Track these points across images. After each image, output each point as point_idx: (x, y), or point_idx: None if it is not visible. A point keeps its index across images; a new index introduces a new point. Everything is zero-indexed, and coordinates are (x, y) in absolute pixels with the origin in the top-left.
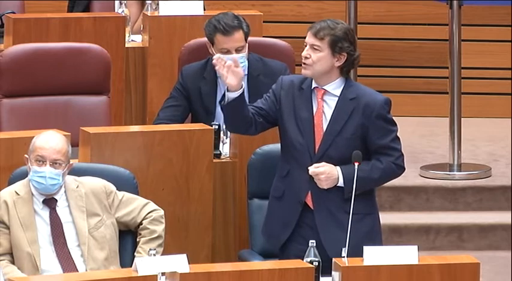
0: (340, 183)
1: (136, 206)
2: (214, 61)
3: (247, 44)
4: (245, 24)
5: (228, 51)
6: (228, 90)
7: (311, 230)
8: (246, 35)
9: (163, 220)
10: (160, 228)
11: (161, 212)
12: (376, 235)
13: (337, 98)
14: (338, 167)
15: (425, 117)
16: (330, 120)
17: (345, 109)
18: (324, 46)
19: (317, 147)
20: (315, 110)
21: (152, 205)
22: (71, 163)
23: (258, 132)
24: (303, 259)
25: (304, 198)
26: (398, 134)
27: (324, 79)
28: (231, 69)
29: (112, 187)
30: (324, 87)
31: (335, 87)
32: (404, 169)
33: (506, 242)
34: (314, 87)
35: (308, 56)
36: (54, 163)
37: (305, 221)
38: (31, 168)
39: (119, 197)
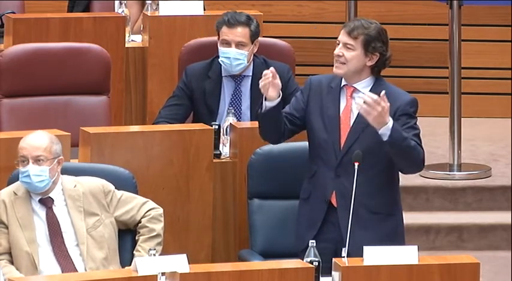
0: (386, 129)
1: (135, 205)
2: (264, 74)
3: (252, 46)
4: (254, 25)
5: (228, 43)
6: (265, 99)
7: (334, 228)
8: (252, 35)
9: (162, 218)
10: (159, 226)
11: (160, 210)
12: (400, 237)
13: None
14: (390, 118)
15: (425, 117)
16: (357, 117)
17: None
18: (357, 45)
19: (342, 143)
20: (342, 107)
21: (151, 204)
22: (60, 157)
23: (288, 138)
24: (330, 255)
25: (330, 197)
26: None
27: (354, 78)
28: (272, 82)
29: (110, 187)
30: (353, 85)
31: (365, 85)
32: (424, 165)
33: (506, 242)
34: (344, 85)
35: (341, 54)
36: (36, 160)
37: (329, 219)
38: (19, 170)
39: (117, 196)
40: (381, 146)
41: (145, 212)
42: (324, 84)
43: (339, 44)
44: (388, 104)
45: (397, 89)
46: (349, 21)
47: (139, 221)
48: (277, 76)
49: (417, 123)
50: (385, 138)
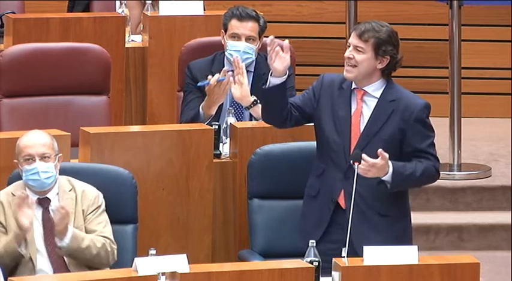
0: (388, 176)
1: (100, 230)
2: (268, 41)
3: (260, 42)
4: (262, 20)
5: (238, 38)
6: (271, 75)
7: (342, 230)
8: (261, 30)
9: (108, 251)
10: (99, 250)
11: (114, 247)
12: (408, 239)
13: (376, 100)
14: (390, 164)
15: None
16: (368, 121)
17: (384, 111)
18: (367, 48)
19: (352, 147)
20: (353, 110)
21: (110, 236)
22: (60, 154)
23: (292, 126)
24: (337, 256)
25: (337, 197)
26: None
27: (364, 81)
28: (279, 55)
29: (101, 202)
30: (364, 88)
31: (375, 88)
32: (439, 175)
33: (506, 242)
34: (354, 88)
35: (351, 56)
36: (42, 157)
37: (336, 220)
38: (22, 169)
39: (98, 213)
40: (391, 153)
41: (102, 236)
42: (336, 84)
43: (349, 46)
44: (384, 161)
45: (408, 92)
46: (360, 23)
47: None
48: (289, 53)
49: (432, 128)
50: (388, 186)
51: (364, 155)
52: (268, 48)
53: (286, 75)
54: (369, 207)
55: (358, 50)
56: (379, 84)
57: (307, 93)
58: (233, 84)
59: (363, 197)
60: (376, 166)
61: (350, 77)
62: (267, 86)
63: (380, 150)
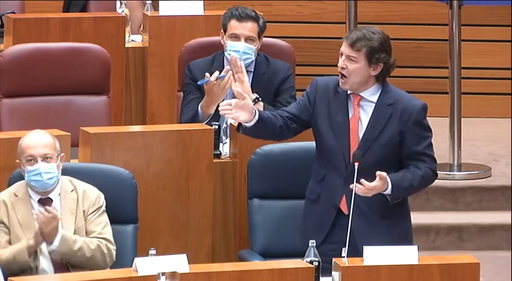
0: (388, 191)
1: (100, 229)
2: (221, 112)
3: (259, 42)
4: (262, 21)
5: (237, 38)
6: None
7: (343, 231)
8: (260, 31)
9: (105, 253)
10: (94, 252)
11: (113, 248)
12: (408, 240)
13: (374, 105)
14: (389, 179)
15: None
16: (367, 127)
17: (383, 115)
18: (360, 57)
19: (352, 152)
20: (350, 115)
21: (110, 237)
22: (62, 154)
23: (292, 136)
24: (337, 257)
25: (339, 203)
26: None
27: (360, 87)
28: (238, 107)
29: (102, 202)
30: (360, 94)
31: (371, 93)
32: (437, 175)
33: (506, 242)
34: (350, 93)
35: (344, 66)
36: (45, 158)
37: (339, 222)
38: (24, 170)
39: (98, 213)
40: (391, 156)
41: (101, 237)
42: (331, 88)
43: (341, 56)
44: (383, 181)
45: (405, 94)
46: (351, 31)
47: (92, 236)
48: (245, 96)
49: (429, 128)
50: (388, 198)
51: (362, 180)
52: (225, 112)
53: (257, 116)
54: (370, 210)
55: (351, 60)
56: (374, 89)
57: (302, 101)
58: (233, 82)
59: (364, 200)
60: (376, 188)
61: (346, 87)
62: (245, 129)
63: (378, 172)
